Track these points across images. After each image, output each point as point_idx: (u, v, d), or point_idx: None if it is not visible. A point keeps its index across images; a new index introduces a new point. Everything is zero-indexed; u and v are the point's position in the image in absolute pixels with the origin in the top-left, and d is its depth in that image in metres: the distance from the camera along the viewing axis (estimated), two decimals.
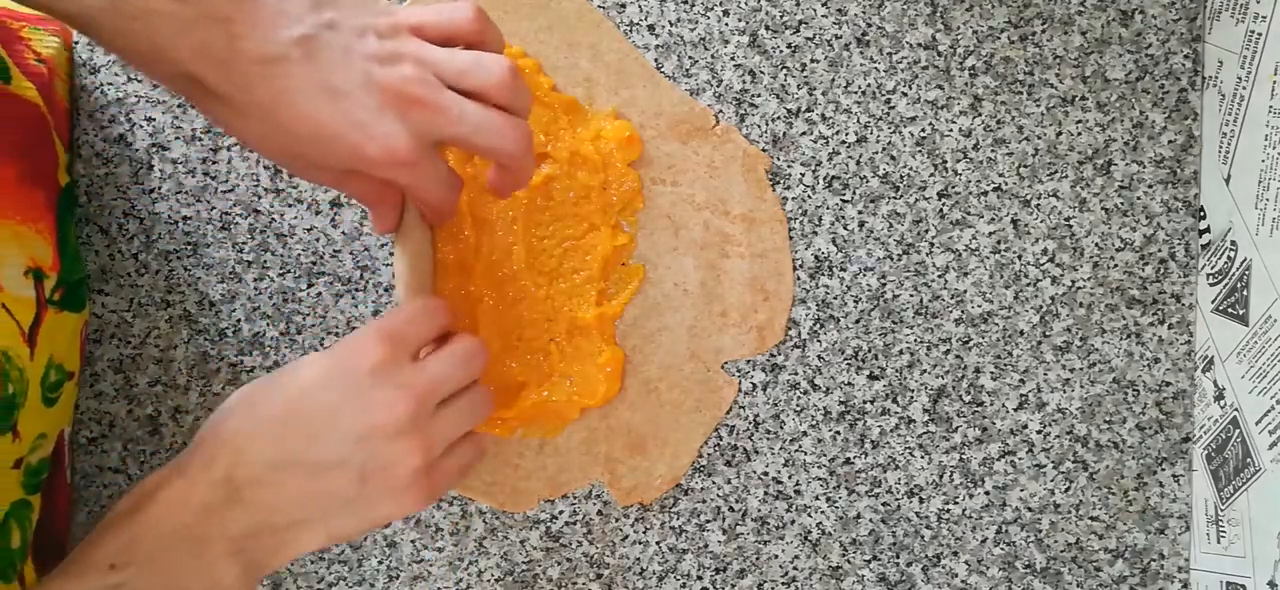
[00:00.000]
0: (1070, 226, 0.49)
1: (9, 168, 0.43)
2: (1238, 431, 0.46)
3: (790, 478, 0.49)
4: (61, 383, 0.45)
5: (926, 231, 0.49)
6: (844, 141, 0.49)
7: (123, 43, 0.34)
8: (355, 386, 0.37)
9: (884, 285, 0.49)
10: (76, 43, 0.48)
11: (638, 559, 0.49)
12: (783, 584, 0.49)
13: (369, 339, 0.38)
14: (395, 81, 0.36)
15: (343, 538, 0.38)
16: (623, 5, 0.49)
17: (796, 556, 0.49)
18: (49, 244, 0.45)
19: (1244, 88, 0.46)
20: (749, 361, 0.49)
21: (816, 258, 0.49)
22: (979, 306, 0.49)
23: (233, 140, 0.49)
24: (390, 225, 0.41)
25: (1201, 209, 0.49)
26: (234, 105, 0.35)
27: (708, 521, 0.49)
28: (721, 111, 0.49)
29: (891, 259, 0.49)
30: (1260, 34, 0.45)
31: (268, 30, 0.34)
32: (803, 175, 0.49)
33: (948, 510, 0.49)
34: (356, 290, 0.49)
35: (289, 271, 0.49)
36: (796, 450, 0.49)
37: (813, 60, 0.49)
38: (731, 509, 0.49)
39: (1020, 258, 0.49)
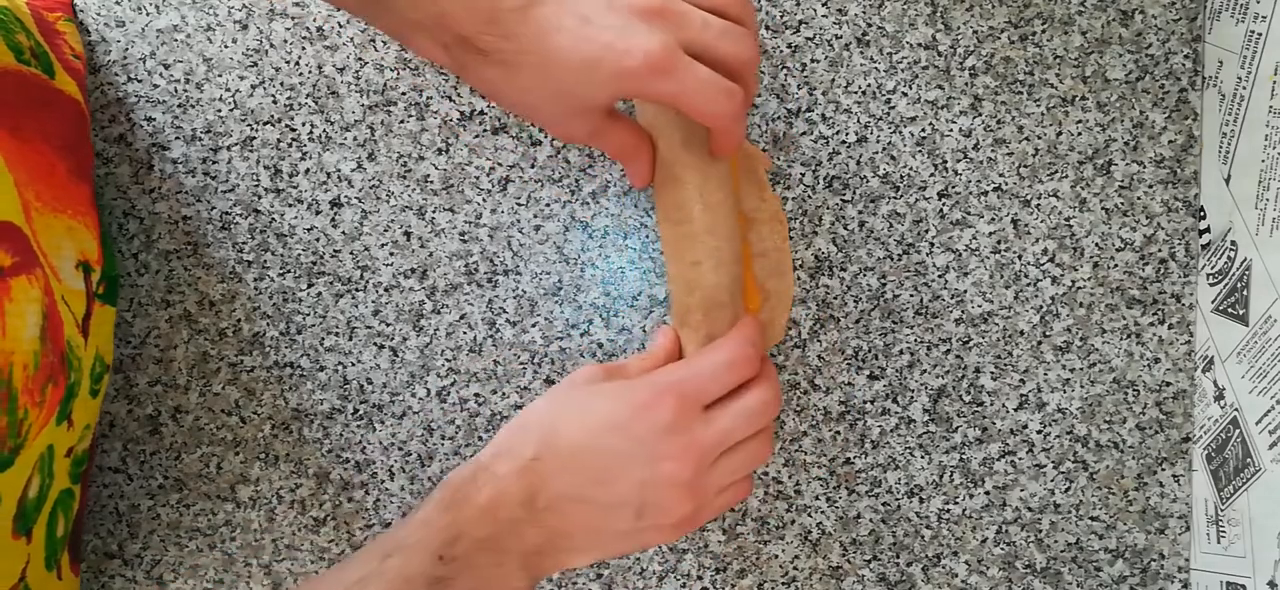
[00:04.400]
0: (1070, 226, 0.49)
1: (60, 163, 0.44)
2: (1238, 431, 0.46)
3: (790, 478, 0.49)
4: (103, 374, 0.46)
5: (926, 231, 0.49)
6: (844, 141, 0.49)
7: (413, 13, 0.36)
8: (647, 440, 0.39)
9: (884, 285, 0.49)
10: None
11: (638, 559, 0.49)
12: (783, 584, 0.49)
13: (664, 393, 0.40)
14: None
15: (608, 558, 0.43)
16: None
17: (796, 556, 0.49)
18: (94, 238, 0.45)
19: (1244, 88, 0.46)
20: None
21: (816, 258, 0.49)
22: (979, 306, 0.49)
23: (236, 140, 0.49)
24: (646, 177, 0.43)
25: (1201, 209, 0.49)
26: (504, 58, 0.37)
27: (708, 521, 0.49)
28: None
29: (891, 259, 0.49)
30: (1260, 34, 0.45)
31: None
32: (803, 175, 0.49)
33: (948, 510, 0.49)
34: (356, 290, 0.49)
35: (289, 271, 0.49)
36: (796, 450, 0.49)
37: (813, 60, 0.49)
38: (732, 509, 0.49)
39: (1020, 258, 0.49)
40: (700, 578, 0.49)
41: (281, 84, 0.49)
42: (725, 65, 0.39)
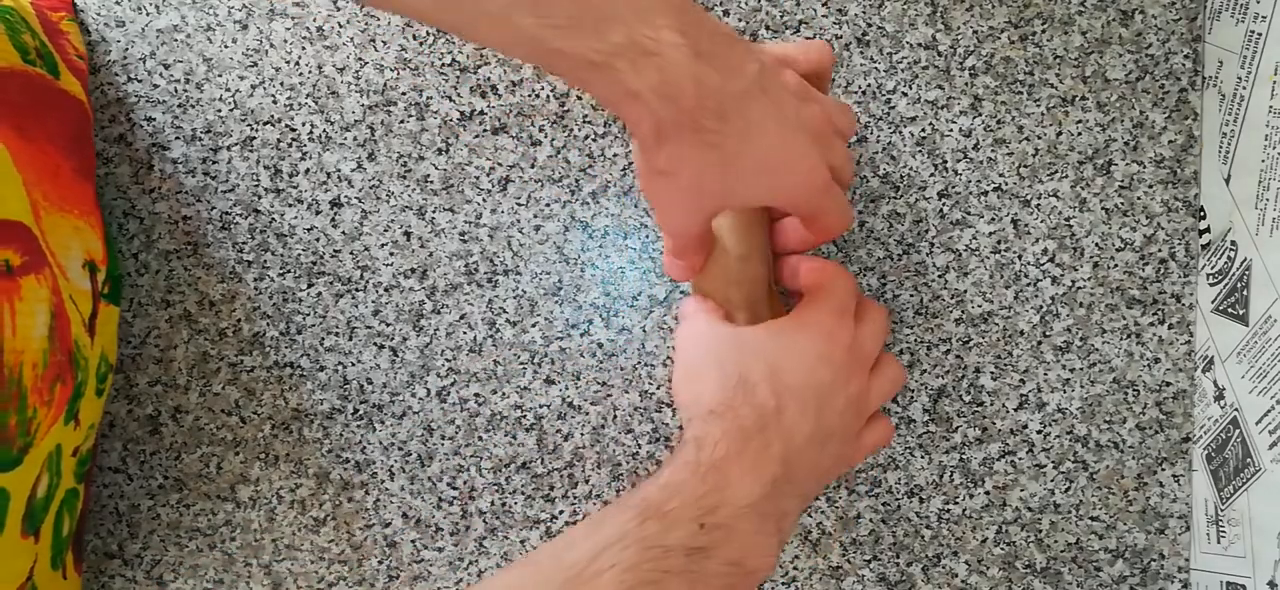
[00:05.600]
0: (1070, 226, 0.49)
1: (65, 162, 0.44)
2: (1238, 431, 0.46)
3: None
4: (107, 374, 0.46)
5: (926, 231, 0.49)
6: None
7: (635, 82, 0.34)
8: (840, 363, 0.41)
9: (884, 285, 0.49)
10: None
11: None
12: (783, 584, 0.49)
13: (837, 319, 0.41)
14: (814, 116, 0.39)
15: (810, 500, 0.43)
16: None
17: (796, 556, 0.49)
18: (98, 238, 0.45)
19: (1244, 88, 0.46)
20: None
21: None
22: (979, 306, 0.49)
23: (236, 140, 0.49)
24: (699, 268, 0.44)
25: (1201, 209, 0.49)
26: (708, 140, 0.36)
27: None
28: None
29: (891, 259, 0.49)
30: (1260, 34, 0.45)
31: (739, 66, 0.36)
32: None
33: (948, 510, 0.49)
34: (356, 290, 0.49)
35: (289, 271, 0.49)
36: None
37: None
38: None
39: (1020, 258, 0.49)
40: None
41: (281, 84, 0.49)
42: (842, 182, 0.41)
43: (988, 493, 0.49)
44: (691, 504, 0.37)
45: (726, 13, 0.49)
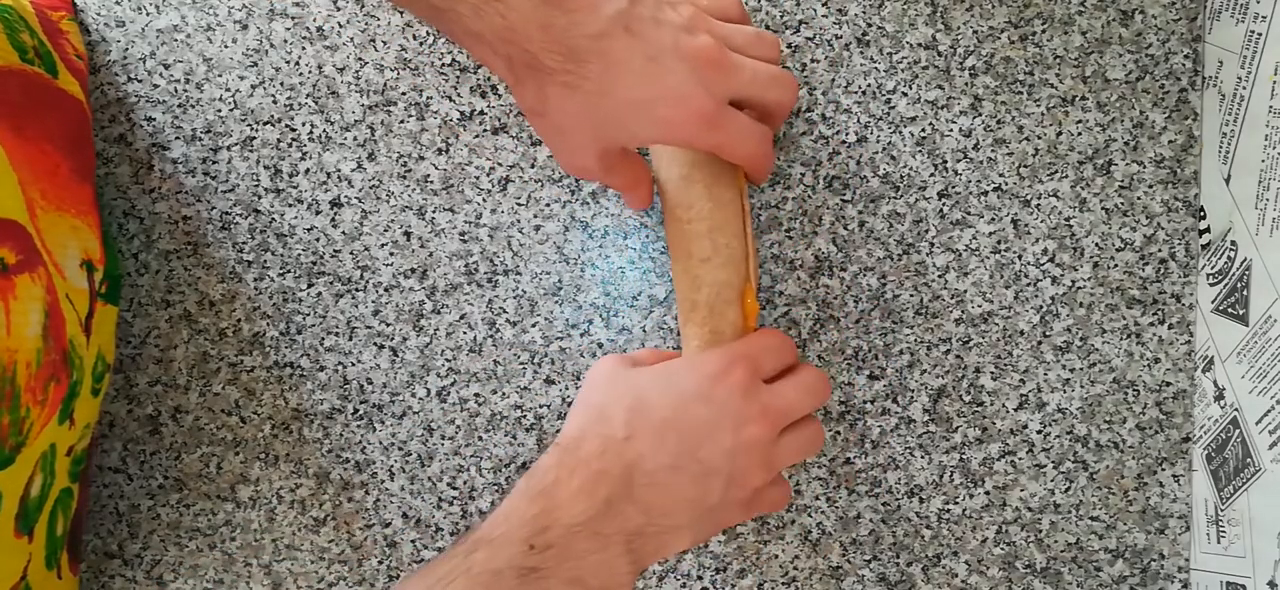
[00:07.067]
0: (1070, 226, 0.49)
1: (63, 162, 0.44)
2: (1238, 431, 0.46)
3: (790, 478, 0.49)
4: (104, 374, 0.46)
5: (926, 231, 0.49)
6: (844, 141, 0.49)
7: (476, 24, 0.36)
8: (729, 406, 0.40)
9: (884, 285, 0.49)
10: None
11: None
12: (783, 584, 0.49)
13: (736, 362, 0.41)
14: (698, 48, 0.38)
15: (700, 541, 0.41)
16: None
17: (796, 556, 0.49)
18: (96, 238, 0.45)
19: (1244, 88, 0.46)
20: None
21: (816, 258, 0.49)
22: (979, 306, 0.49)
23: (236, 140, 0.49)
24: (646, 201, 0.44)
25: (1201, 209, 0.49)
26: (566, 80, 0.37)
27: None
28: None
29: (891, 259, 0.49)
30: (1260, 34, 0.45)
31: (596, 6, 0.37)
32: (803, 175, 0.49)
33: (948, 510, 0.49)
34: (356, 290, 0.49)
35: (289, 271, 0.49)
36: None
37: (813, 60, 0.49)
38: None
39: (1020, 258, 0.49)
40: (700, 578, 0.49)
41: (281, 84, 0.49)
42: (766, 111, 0.41)
43: (988, 493, 0.49)
44: (519, 527, 0.37)
45: None
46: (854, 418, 0.49)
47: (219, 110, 0.49)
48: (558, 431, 0.49)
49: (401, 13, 0.49)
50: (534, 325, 0.49)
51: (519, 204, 0.49)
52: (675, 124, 0.38)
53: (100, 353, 0.45)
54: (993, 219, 0.49)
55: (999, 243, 0.49)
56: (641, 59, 0.37)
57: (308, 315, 0.49)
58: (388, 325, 0.49)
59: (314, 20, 0.49)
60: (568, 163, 0.41)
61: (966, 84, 0.49)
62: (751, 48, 0.41)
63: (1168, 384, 0.49)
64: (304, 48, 0.49)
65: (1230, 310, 0.47)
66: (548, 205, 0.49)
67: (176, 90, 0.49)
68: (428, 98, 0.49)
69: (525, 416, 0.49)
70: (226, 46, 0.49)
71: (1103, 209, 0.49)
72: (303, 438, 0.49)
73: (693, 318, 0.43)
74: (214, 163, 0.49)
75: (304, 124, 0.49)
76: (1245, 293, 0.46)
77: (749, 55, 0.41)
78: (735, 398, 0.40)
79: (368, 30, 0.49)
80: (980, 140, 0.49)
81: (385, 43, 0.49)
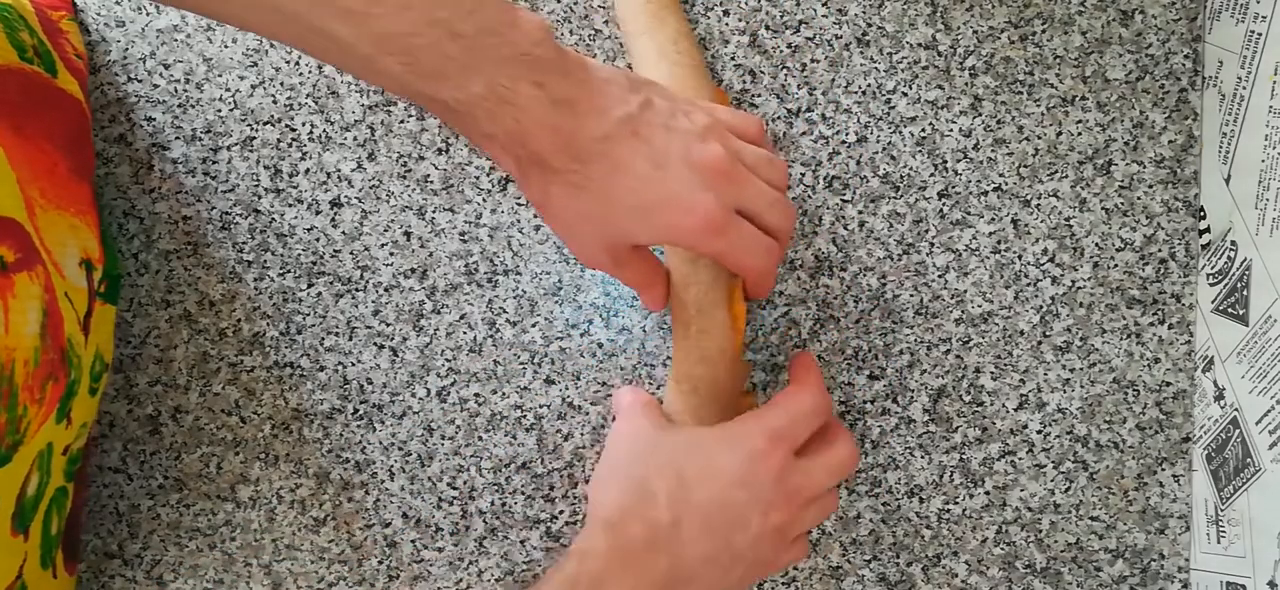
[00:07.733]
0: (1070, 226, 0.49)
1: (61, 161, 0.44)
2: (1238, 431, 0.46)
3: None
4: (102, 373, 0.46)
5: (926, 231, 0.49)
6: (844, 141, 0.49)
7: (489, 126, 0.36)
8: (761, 490, 0.40)
9: (884, 285, 0.49)
10: None
11: None
12: (783, 584, 0.49)
13: (777, 442, 0.41)
14: (707, 156, 0.39)
15: None
16: None
17: None
18: (95, 237, 0.45)
19: (1244, 88, 0.46)
20: (750, 362, 0.49)
21: (816, 258, 0.49)
22: (979, 306, 0.49)
23: (236, 140, 0.49)
24: (661, 301, 0.44)
25: (1201, 209, 0.49)
26: (572, 180, 0.37)
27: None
28: None
29: (891, 259, 0.49)
30: (1260, 34, 0.45)
31: (604, 110, 0.37)
32: (803, 175, 0.49)
33: (948, 510, 0.49)
34: (356, 290, 0.49)
35: (289, 271, 0.49)
36: None
37: (813, 60, 0.49)
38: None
39: (1020, 258, 0.49)
40: None
41: (281, 84, 0.49)
42: (767, 229, 0.41)
43: (988, 493, 0.49)
44: None
45: (727, 13, 0.49)
46: (854, 418, 0.49)
47: (219, 110, 0.49)
48: (558, 432, 0.49)
49: None
50: (534, 325, 0.49)
51: (519, 204, 0.49)
52: (680, 229, 0.39)
53: (98, 352, 0.45)
54: (993, 219, 0.49)
55: (999, 243, 0.49)
56: (646, 163, 0.37)
57: (308, 315, 0.49)
58: (388, 325, 0.49)
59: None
60: (579, 256, 0.41)
61: (966, 84, 0.49)
62: (761, 168, 0.41)
63: (1168, 384, 0.49)
64: None
65: (1230, 310, 0.47)
66: None
67: (176, 90, 0.49)
68: None
69: (525, 416, 0.49)
70: (226, 46, 0.49)
71: (1103, 209, 0.49)
72: (303, 438, 0.49)
73: (680, 318, 0.44)
74: (214, 163, 0.49)
75: (304, 124, 0.49)
76: (1245, 293, 0.46)
77: (758, 175, 0.41)
78: (769, 483, 0.40)
79: None
80: (980, 140, 0.49)
81: None
